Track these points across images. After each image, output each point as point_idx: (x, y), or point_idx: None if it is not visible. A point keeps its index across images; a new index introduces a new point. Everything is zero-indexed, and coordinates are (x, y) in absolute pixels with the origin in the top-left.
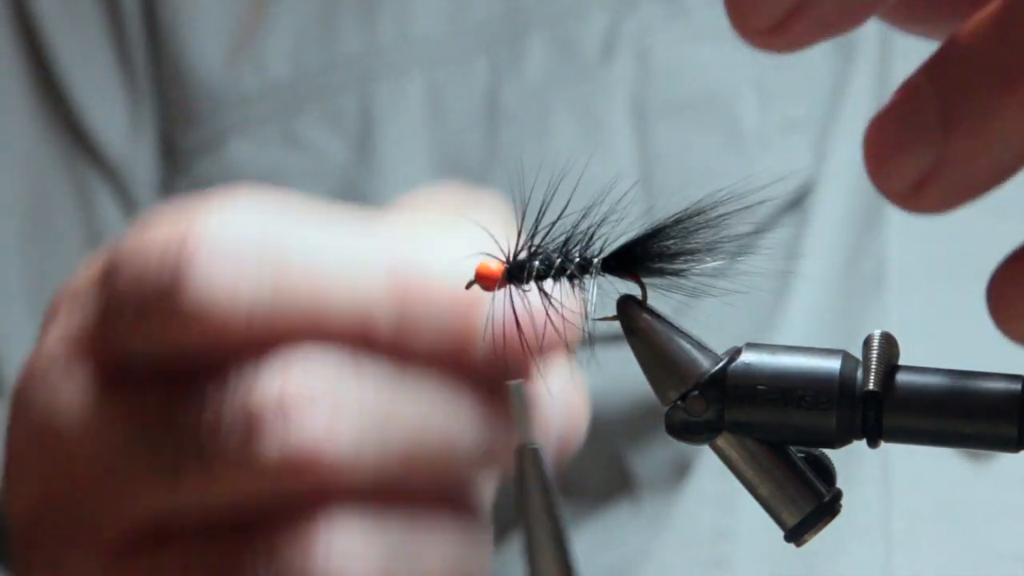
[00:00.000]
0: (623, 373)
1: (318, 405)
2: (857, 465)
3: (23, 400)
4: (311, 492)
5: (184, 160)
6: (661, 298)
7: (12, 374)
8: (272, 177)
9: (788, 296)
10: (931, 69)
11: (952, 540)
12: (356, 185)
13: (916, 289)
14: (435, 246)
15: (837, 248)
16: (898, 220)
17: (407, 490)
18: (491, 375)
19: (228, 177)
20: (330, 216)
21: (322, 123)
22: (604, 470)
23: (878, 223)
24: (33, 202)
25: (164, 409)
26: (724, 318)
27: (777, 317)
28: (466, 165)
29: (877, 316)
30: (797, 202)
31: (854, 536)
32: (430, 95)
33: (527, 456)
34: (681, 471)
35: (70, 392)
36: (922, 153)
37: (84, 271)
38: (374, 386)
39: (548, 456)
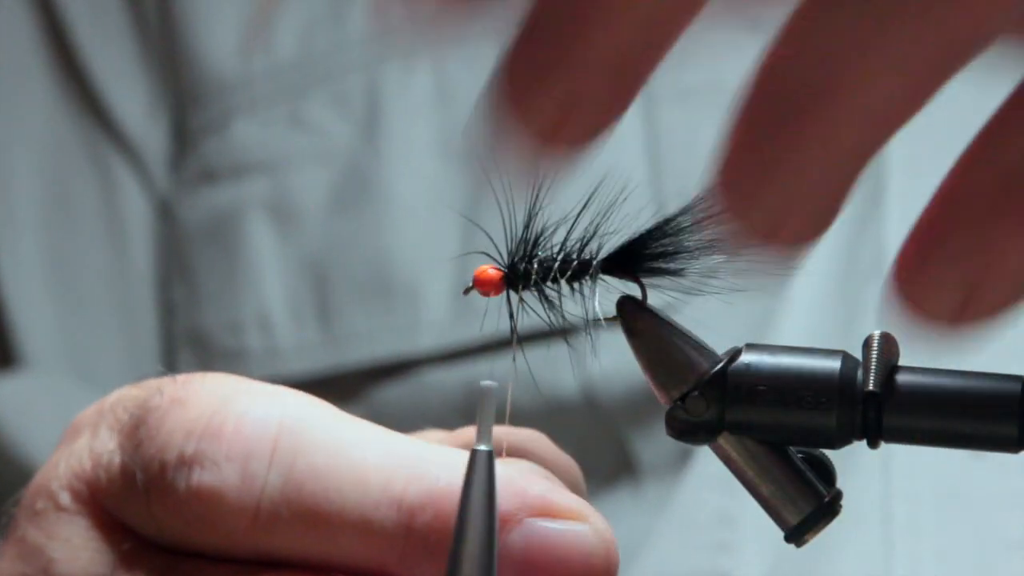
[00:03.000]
0: (627, 358)
1: None
2: (857, 452)
3: (23, 518)
4: None
5: (192, 140)
6: (659, 295)
7: (31, 351)
8: (278, 159)
9: (789, 287)
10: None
11: (953, 527)
12: (361, 168)
13: None
14: (453, 479)
15: (837, 238)
16: (898, 211)
17: None
18: None
19: (234, 158)
20: (354, 423)
21: (329, 105)
22: (607, 454)
23: (878, 214)
24: (53, 180)
25: None
26: (724, 310)
27: (778, 309)
28: (473, 151)
29: (876, 306)
30: None
31: (855, 522)
32: (437, 79)
33: (479, 459)
34: (684, 456)
35: (68, 536)
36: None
37: (114, 399)
38: None
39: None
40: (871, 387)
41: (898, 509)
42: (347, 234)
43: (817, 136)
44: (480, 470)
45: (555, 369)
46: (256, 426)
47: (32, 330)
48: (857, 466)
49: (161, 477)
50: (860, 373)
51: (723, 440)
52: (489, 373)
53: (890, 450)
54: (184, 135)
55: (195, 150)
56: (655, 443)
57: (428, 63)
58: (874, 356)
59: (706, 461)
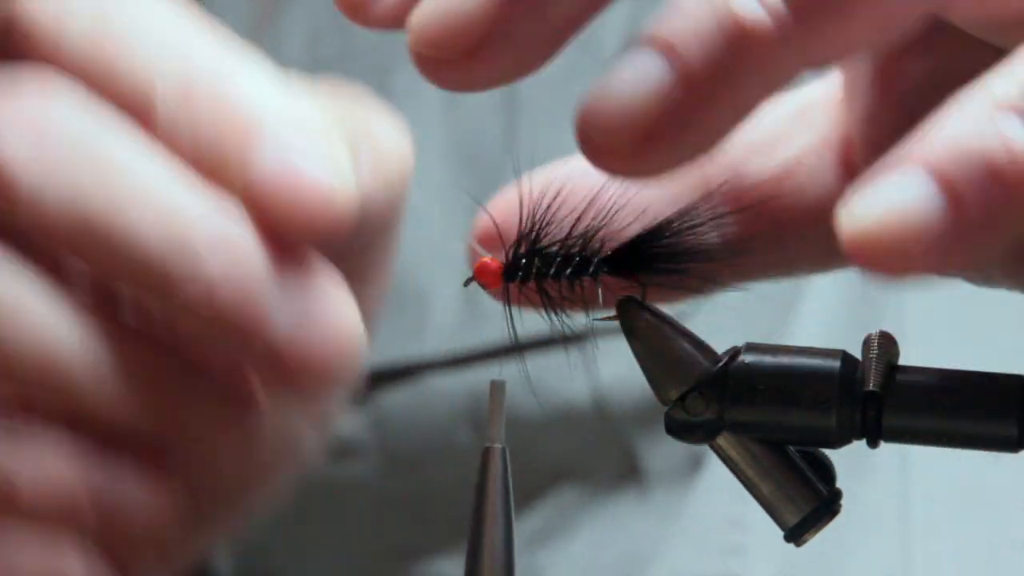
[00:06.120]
0: (636, 365)
1: None
2: (875, 453)
3: None
4: None
5: None
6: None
7: None
8: None
9: (805, 286)
10: None
11: (970, 528)
12: None
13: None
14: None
15: None
16: None
17: None
18: None
19: None
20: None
21: None
22: (614, 460)
23: None
24: None
25: None
26: (738, 314)
27: (794, 310)
28: (482, 155)
29: (895, 305)
30: None
31: (872, 524)
32: None
33: (493, 456)
34: (694, 464)
35: None
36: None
37: None
38: None
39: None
40: (871, 387)
41: (915, 510)
42: None
43: None
44: (495, 467)
45: (564, 375)
46: None
47: None
48: (875, 467)
49: None
50: (860, 373)
51: (723, 440)
52: (497, 373)
53: (907, 451)
54: None
55: None
56: (665, 452)
57: None
58: (873, 356)
59: (717, 467)
